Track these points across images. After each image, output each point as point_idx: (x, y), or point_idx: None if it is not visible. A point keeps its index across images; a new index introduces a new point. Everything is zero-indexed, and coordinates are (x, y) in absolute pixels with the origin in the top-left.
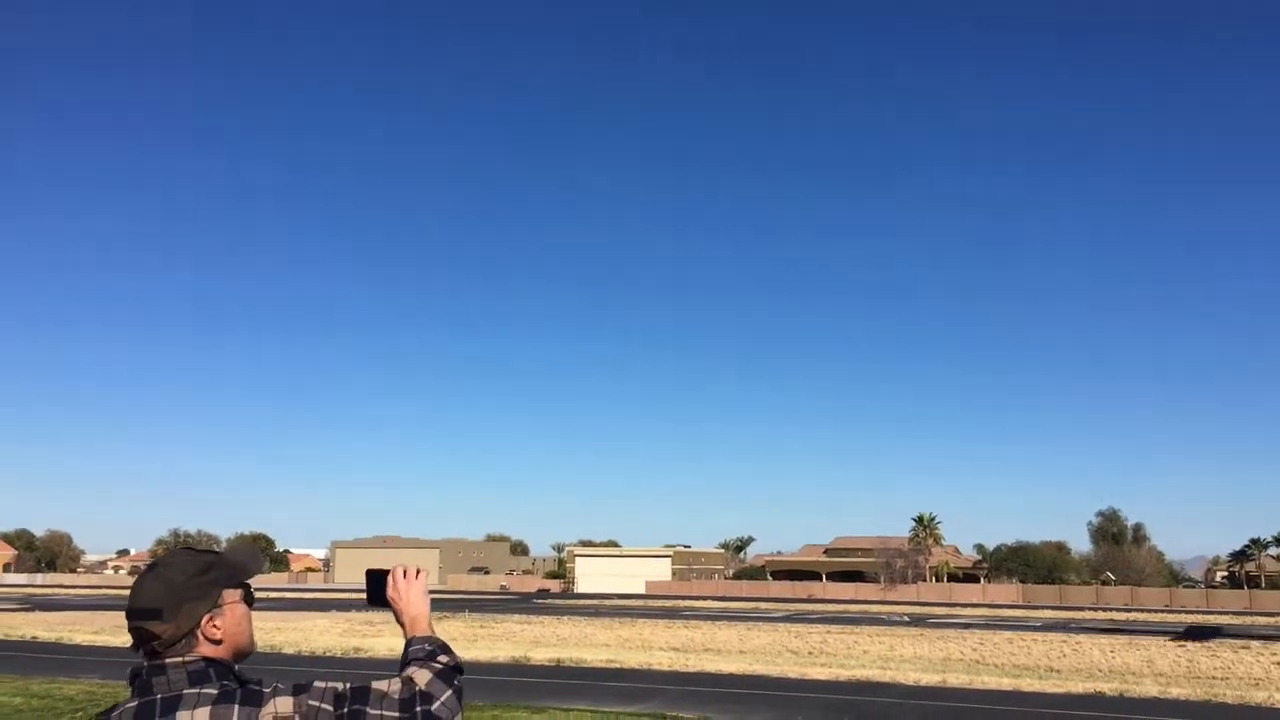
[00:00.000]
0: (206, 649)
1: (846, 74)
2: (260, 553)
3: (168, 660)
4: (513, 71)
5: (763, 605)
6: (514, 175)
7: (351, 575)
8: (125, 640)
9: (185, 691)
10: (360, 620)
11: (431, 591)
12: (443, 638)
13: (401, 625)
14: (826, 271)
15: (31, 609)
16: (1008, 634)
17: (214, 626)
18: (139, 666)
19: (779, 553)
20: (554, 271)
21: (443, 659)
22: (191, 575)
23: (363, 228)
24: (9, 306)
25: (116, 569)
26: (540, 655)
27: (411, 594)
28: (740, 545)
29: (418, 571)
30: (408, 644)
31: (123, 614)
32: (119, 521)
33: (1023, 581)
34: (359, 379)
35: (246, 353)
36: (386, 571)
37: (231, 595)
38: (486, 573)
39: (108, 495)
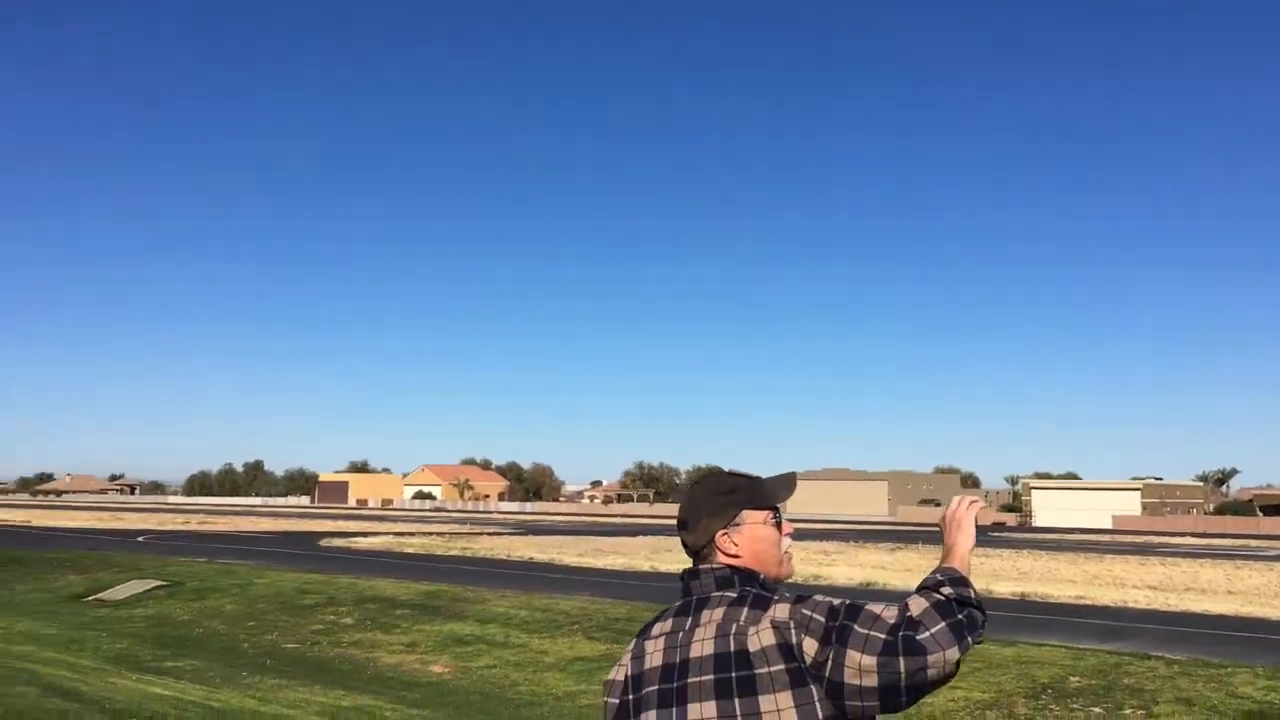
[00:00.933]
0: (726, 560)
1: None
2: (793, 483)
3: (701, 566)
4: None
5: (1252, 543)
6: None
7: (796, 506)
8: (605, 563)
9: (712, 594)
10: (815, 550)
11: (877, 524)
12: (964, 573)
13: None
14: None
15: (525, 533)
16: None
17: (731, 542)
18: (685, 570)
19: (1269, 485)
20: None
21: (947, 591)
22: (712, 494)
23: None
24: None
25: (591, 498)
26: (1002, 588)
27: (951, 525)
28: (1221, 478)
29: (970, 503)
30: (930, 573)
31: (600, 539)
32: (592, 455)
33: None
34: (825, 311)
35: (718, 299)
36: None
37: (754, 516)
38: (936, 504)
39: (583, 431)
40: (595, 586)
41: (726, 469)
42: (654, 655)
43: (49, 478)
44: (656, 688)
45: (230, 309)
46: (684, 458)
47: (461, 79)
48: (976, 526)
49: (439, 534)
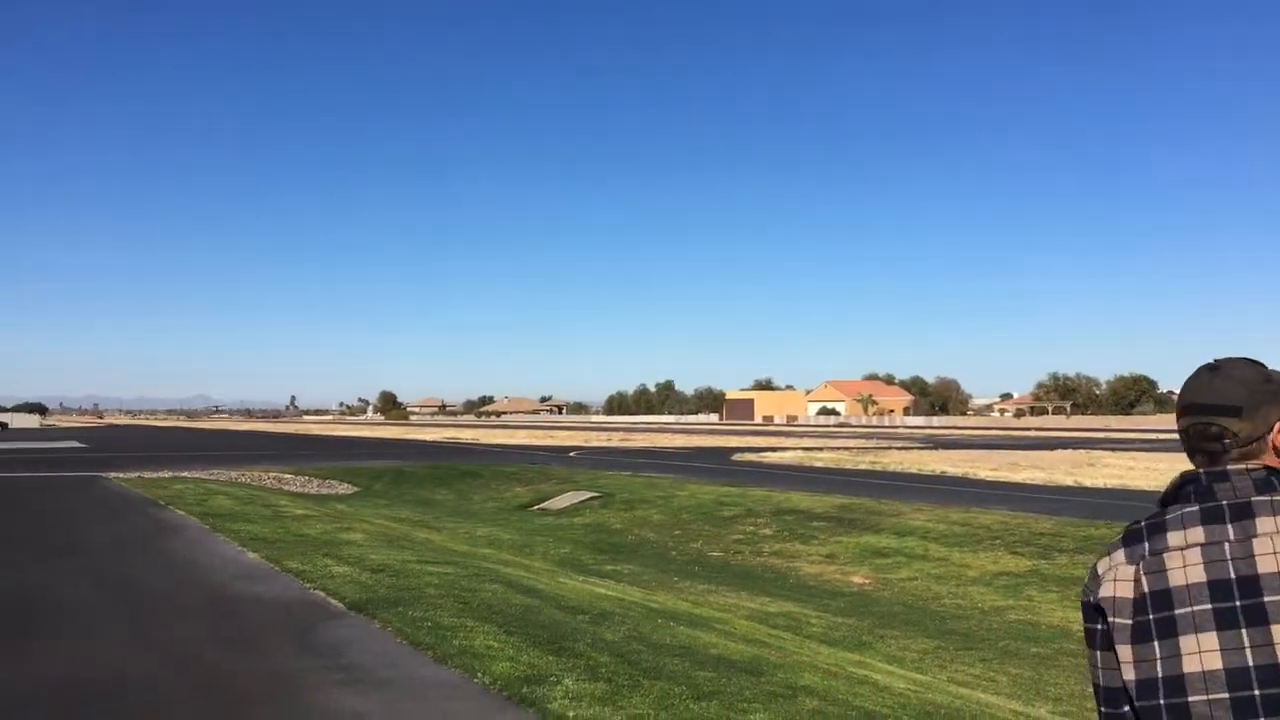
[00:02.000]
0: (1270, 459)
1: None
2: None
3: (1230, 468)
4: None
5: None
6: None
7: None
8: (1023, 477)
9: (1253, 498)
10: None
11: None
12: None
13: None
14: None
15: (934, 447)
16: None
17: None
18: (1192, 474)
19: None
20: None
21: None
22: (1260, 381)
23: None
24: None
25: (1001, 411)
26: None
27: None
28: None
29: None
30: None
31: (1014, 453)
32: (1001, 367)
33: None
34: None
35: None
36: None
37: None
38: None
39: (990, 343)
40: (1014, 501)
41: (1246, 359)
42: (1187, 570)
43: (490, 400)
44: (1207, 606)
45: (636, 244)
46: (1104, 367)
47: None
48: None
49: (846, 449)
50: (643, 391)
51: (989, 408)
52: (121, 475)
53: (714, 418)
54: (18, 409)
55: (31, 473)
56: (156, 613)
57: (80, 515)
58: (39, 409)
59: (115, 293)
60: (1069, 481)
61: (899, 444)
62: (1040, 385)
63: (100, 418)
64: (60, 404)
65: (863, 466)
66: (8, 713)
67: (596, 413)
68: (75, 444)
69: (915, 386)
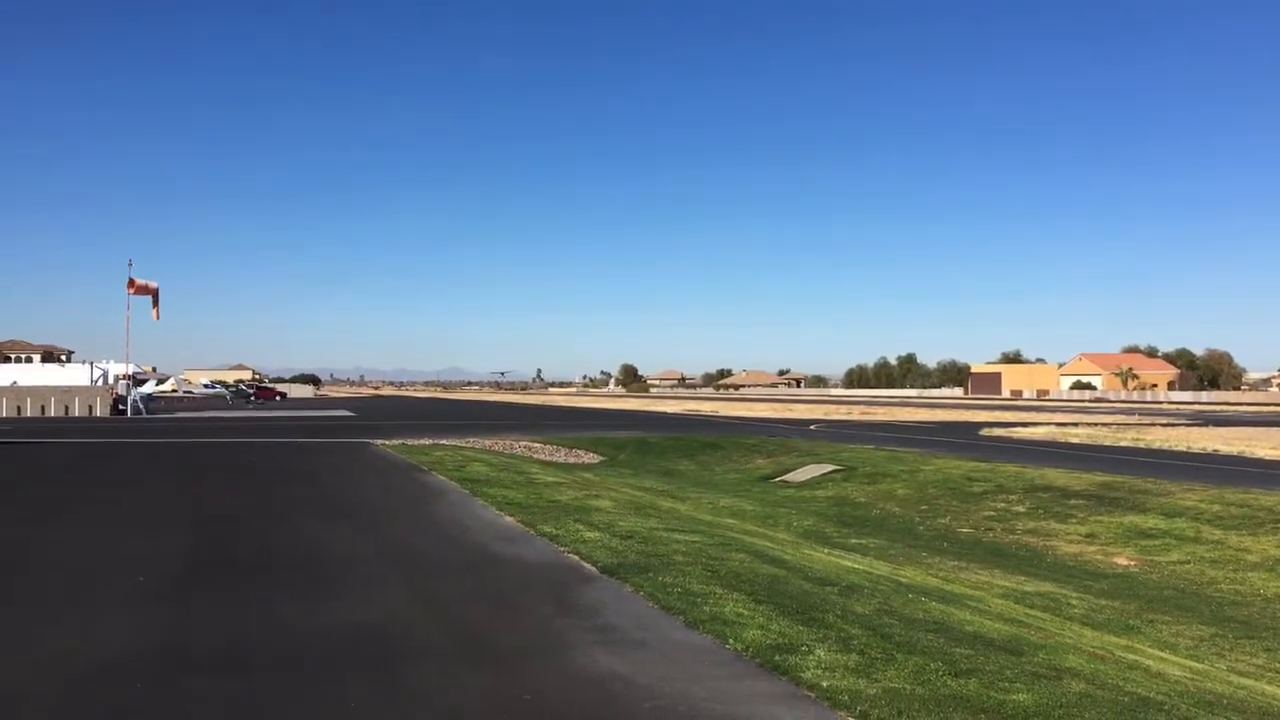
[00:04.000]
0: None
1: None
2: None
3: None
4: None
5: None
6: None
7: None
8: None
9: None
10: None
11: None
12: None
13: None
14: None
15: (1203, 424)
16: None
17: None
18: None
19: None
20: None
21: None
22: None
23: None
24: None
25: None
26: None
27: None
28: None
29: None
30: None
31: None
32: (1278, 338)
33: None
34: None
35: None
36: None
37: None
38: None
39: (1269, 311)
40: None
41: None
42: None
43: (728, 373)
44: None
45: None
46: None
47: None
48: None
49: (1104, 424)
50: (883, 364)
51: (1266, 382)
52: (387, 442)
53: (958, 391)
54: (295, 380)
55: (311, 439)
56: (426, 570)
57: (354, 479)
58: (313, 380)
59: (378, 273)
60: None
61: (1163, 420)
62: None
63: (377, 389)
64: (331, 375)
65: (1124, 443)
66: (315, 651)
67: (835, 386)
68: (345, 412)
69: (1181, 359)
